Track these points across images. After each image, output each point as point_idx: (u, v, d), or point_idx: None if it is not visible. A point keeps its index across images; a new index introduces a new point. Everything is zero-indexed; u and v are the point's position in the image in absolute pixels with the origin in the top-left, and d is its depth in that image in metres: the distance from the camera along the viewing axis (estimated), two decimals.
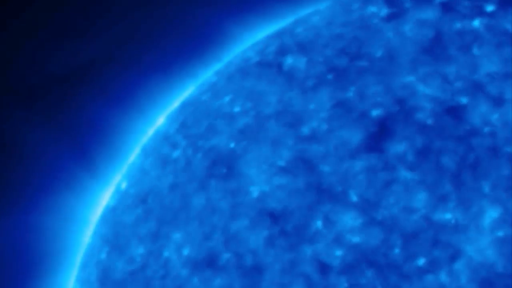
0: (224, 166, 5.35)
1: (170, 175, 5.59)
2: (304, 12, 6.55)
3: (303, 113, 5.34)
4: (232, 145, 5.41)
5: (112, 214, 5.95)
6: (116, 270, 5.56)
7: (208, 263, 5.12)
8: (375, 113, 5.13)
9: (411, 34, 5.51)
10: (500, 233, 4.71)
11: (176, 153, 5.72)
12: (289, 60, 5.70)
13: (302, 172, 5.09)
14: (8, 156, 6.56)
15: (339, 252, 4.83)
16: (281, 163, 5.18)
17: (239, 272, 5.00)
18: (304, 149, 5.16)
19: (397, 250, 4.75)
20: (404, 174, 4.89)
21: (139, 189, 5.80)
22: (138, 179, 5.93)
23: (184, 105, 6.24)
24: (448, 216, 4.76)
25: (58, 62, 6.61)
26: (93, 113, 6.67)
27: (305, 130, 5.24)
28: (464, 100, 5.08)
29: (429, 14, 5.59)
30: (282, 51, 5.88)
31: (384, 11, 5.74)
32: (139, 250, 5.45)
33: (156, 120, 6.50)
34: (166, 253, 5.31)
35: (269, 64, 5.81)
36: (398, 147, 4.97)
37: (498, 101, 5.03)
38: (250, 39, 6.60)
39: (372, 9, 5.81)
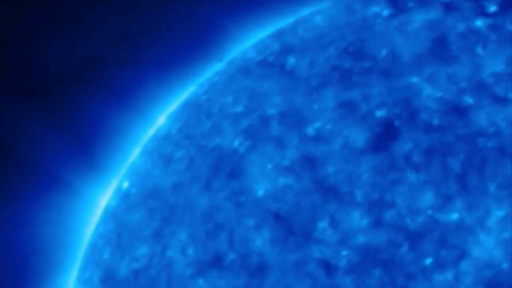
0: (228, 166, 5.34)
1: (173, 175, 5.58)
2: (304, 12, 6.54)
3: (307, 113, 5.34)
4: (236, 145, 5.40)
5: (114, 214, 5.93)
6: (119, 270, 5.54)
7: (213, 263, 5.11)
8: (380, 113, 5.13)
9: (415, 34, 5.51)
10: (507, 234, 4.72)
11: (179, 153, 5.70)
12: (291, 60, 5.70)
13: (307, 172, 5.08)
14: (7, 154, 6.53)
15: (345, 252, 4.83)
16: (286, 163, 5.17)
17: (244, 272, 5.00)
18: (309, 149, 5.16)
19: (403, 250, 4.76)
20: (410, 174, 4.89)
21: (141, 189, 5.78)
22: (140, 179, 5.91)
23: (185, 105, 6.22)
24: (454, 216, 4.76)
25: (59, 60, 6.59)
26: (93, 111, 6.65)
27: (310, 130, 5.23)
28: (469, 100, 5.09)
29: (432, 14, 5.60)
30: (285, 51, 5.88)
31: (387, 11, 5.74)
32: (142, 250, 5.44)
33: (156, 120, 6.48)
34: (170, 253, 5.30)
35: (271, 64, 5.80)
36: (403, 147, 4.98)
37: (503, 101, 5.04)
38: (251, 39, 6.59)
39: (375, 9, 5.81)
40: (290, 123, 5.33)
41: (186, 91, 6.57)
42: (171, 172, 5.64)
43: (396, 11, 5.75)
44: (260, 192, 5.14)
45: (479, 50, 5.30)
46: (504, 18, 5.50)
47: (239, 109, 5.63)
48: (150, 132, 6.46)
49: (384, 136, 5.06)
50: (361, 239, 4.85)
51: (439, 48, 5.38)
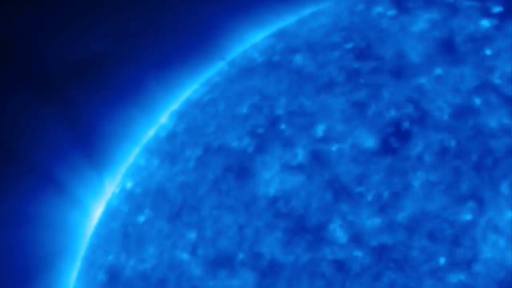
0: (237, 166, 5.33)
1: (180, 174, 5.56)
2: (305, 12, 6.53)
3: (315, 113, 5.33)
4: (244, 145, 5.39)
5: (118, 214, 5.90)
6: (125, 270, 5.51)
7: (223, 263, 5.09)
8: (390, 114, 5.14)
9: (421, 34, 5.52)
10: None
11: (185, 153, 5.68)
12: (297, 60, 5.70)
13: (317, 173, 5.08)
14: (7, 154, 6.49)
15: (357, 253, 4.84)
16: (295, 163, 5.17)
17: (255, 272, 4.99)
18: (318, 149, 5.16)
19: (416, 251, 4.77)
20: (422, 175, 4.90)
21: (146, 189, 5.76)
22: (144, 178, 5.88)
23: (188, 105, 6.20)
24: (466, 216, 4.79)
25: (59, 59, 6.55)
26: (93, 110, 6.61)
27: (319, 130, 5.23)
28: (478, 101, 5.11)
29: (436, 14, 5.61)
30: (289, 51, 5.87)
31: (391, 12, 5.75)
32: (150, 250, 5.41)
33: (158, 119, 6.46)
34: (179, 253, 5.28)
35: (276, 64, 5.79)
36: (415, 148, 4.99)
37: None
38: (251, 39, 6.58)
39: (379, 9, 5.82)
40: (298, 124, 5.33)
41: (187, 90, 6.54)
42: (178, 172, 5.61)
43: (401, 11, 5.76)
44: (270, 192, 5.13)
45: (486, 51, 5.32)
46: (509, 18, 5.52)
47: (245, 109, 5.61)
48: (151, 131, 6.42)
49: (395, 137, 5.06)
50: (374, 239, 4.85)
51: (447, 49, 5.40)
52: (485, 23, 5.49)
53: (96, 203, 6.43)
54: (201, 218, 5.30)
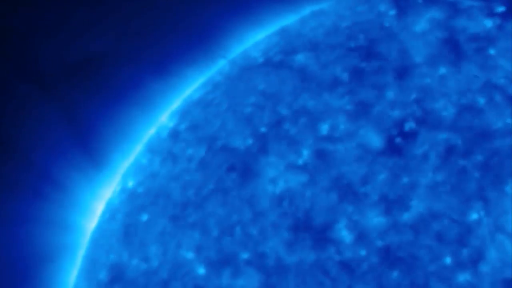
0: (241, 166, 5.32)
1: (183, 174, 5.54)
2: (305, 11, 6.53)
3: (319, 113, 5.32)
4: (248, 144, 5.38)
5: (119, 213, 5.87)
6: (129, 269, 5.49)
7: (227, 262, 5.08)
8: (394, 113, 5.14)
9: (424, 34, 5.52)
10: None
11: (188, 152, 5.66)
12: (300, 60, 5.69)
13: (323, 172, 5.08)
14: (8, 153, 6.46)
15: (363, 252, 4.83)
16: (300, 162, 5.16)
17: (260, 272, 4.98)
18: (323, 149, 5.15)
19: (422, 251, 4.77)
20: (427, 175, 4.90)
21: (149, 188, 5.74)
22: (146, 177, 5.86)
23: (190, 104, 6.18)
24: (473, 216, 4.79)
25: (59, 59, 6.52)
26: (94, 110, 6.59)
27: (323, 130, 5.22)
28: (482, 100, 5.11)
29: (439, 14, 5.61)
30: (291, 51, 5.86)
31: (393, 11, 5.75)
32: (153, 250, 5.39)
33: (158, 118, 6.44)
34: (183, 252, 5.26)
35: (279, 64, 5.78)
36: (420, 148, 4.99)
37: None
38: (251, 38, 6.57)
39: (380, 9, 5.81)
40: (303, 123, 5.32)
41: (188, 89, 6.53)
42: (181, 171, 5.59)
43: (402, 10, 5.76)
44: (276, 192, 5.12)
45: (490, 50, 5.33)
46: None
47: (248, 108, 5.60)
48: (152, 130, 6.40)
49: (400, 137, 5.06)
50: (379, 238, 4.85)
51: (450, 49, 5.40)
52: (488, 23, 5.50)
53: (96, 202, 6.41)
54: (205, 217, 5.28)
